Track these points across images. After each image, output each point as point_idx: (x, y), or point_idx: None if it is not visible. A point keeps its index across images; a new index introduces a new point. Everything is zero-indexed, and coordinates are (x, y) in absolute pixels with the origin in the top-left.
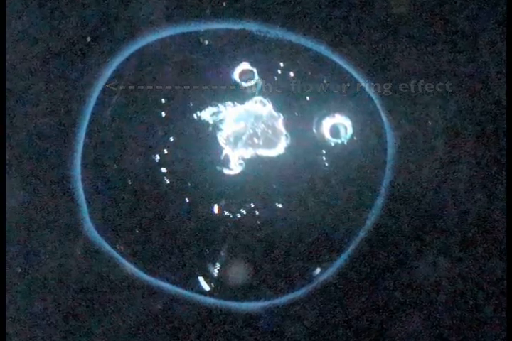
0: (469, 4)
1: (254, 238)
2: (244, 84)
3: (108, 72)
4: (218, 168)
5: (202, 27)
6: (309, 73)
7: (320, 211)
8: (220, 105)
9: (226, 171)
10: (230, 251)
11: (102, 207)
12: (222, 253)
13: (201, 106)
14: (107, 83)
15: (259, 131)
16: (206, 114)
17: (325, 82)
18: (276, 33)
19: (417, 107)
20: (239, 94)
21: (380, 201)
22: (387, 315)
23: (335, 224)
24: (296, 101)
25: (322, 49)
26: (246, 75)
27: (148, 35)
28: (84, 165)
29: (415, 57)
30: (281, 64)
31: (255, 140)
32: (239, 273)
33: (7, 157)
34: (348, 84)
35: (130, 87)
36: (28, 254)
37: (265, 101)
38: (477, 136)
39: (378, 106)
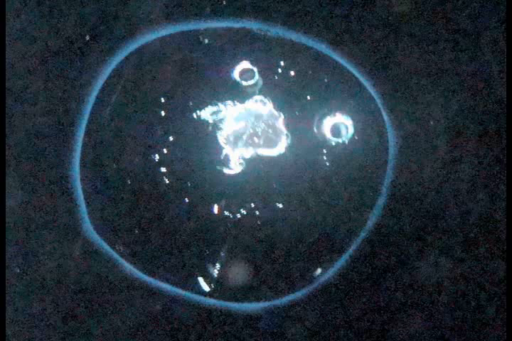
0: (471, 3)
1: (254, 238)
2: (244, 83)
3: (107, 71)
4: (218, 167)
5: (202, 25)
6: (310, 72)
7: (321, 211)
8: (220, 104)
9: (226, 171)
10: (230, 252)
11: (101, 207)
12: (222, 254)
13: (201, 106)
14: (106, 82)
15: (259, 130)
16: (206, 113)
17: (326, 80)
18: (277, 31)
19: (419, 106)
20: (239, 93)
21: (381, 201)
22: (389, 316)
23: (336, 224)
24: (296, 100)
25: (323, 48)
26: (246, 74)
27: (147, 34)
28: (83, 165)
29: (417, 56)
30: (282, 63)
31: (256, 139)
32: (239, 273)
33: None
34: (349, 83)
35: (129, 86)
36: (27, 255)
37: (266, 100)
38: (479, 135)
39: (379, 105)
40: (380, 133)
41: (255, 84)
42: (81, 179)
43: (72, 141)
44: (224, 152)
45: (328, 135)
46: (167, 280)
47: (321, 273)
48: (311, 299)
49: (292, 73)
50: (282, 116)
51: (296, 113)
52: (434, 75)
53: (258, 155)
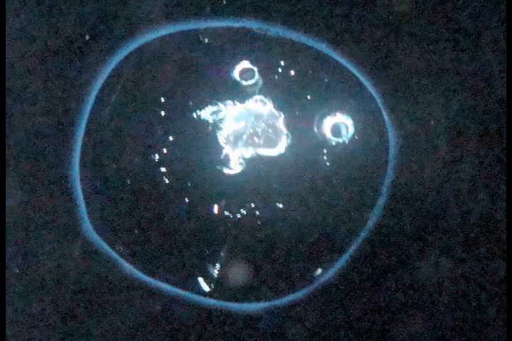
0: (471, 2)
1: (254, 238)
2: (244, 82)
3: (107, 71)
4: (218, 167)
5: (202, 25)
6: (310, 72)
7: (321, 211)
8: (220, 104)
9: (226, 171)
10: (230, 252)
11: (101, 207)
12: (222, 254)
13: (201, 105)
14: (105, 81)
15: (259, 130)
16: (206, 113)
17: (326, 80)
18: (277, 31)
19: (419, 106)
20: (239, 93)
21: (381, 201)
22: (389, 316)
23: (336, 224)
24: (296, 100)
25: (323, 47)
26: (246, 74)
27: (147, 33)
28: (82, 165)
29: (417, 56)
30: (282, 62)
31: (256, 139)
32: (239, 273)
33: None
34: (350, 83)
35: (129, 86)
36: (26, 255)
37: (266, 100)
38: (480, 135)
39: (380, 104)
40: (381, 133)
41: (255, 84)
42: (81, 179)
43: (72, 141)
44: (224, 152)
45: (329, 135)
46: (167, 281)
47: (321, 273)
48: (311, 299)
49: (292, 73)
50: (282, 116)
51: (297, 113)
52: (434, 75)
53: (258, 155)
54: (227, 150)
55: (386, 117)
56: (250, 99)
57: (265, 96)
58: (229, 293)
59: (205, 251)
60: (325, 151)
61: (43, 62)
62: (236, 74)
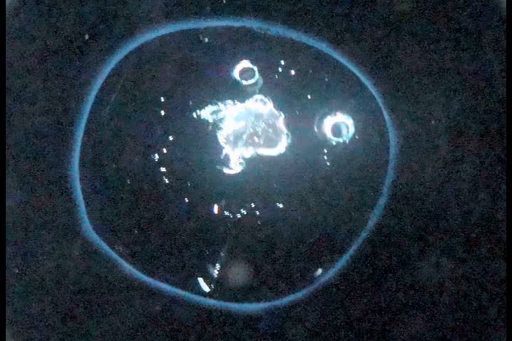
0: (473, 1)
1: (254, 238)
2: (244, 82)
3: (106, 70)
4: (218, 167)
5: (202, 24)
6: (310, 71)
7: (321, 211)
8: (220, 103)
9: (226, 170)
10: (230, 252)
11: (101, 207)
12: (222, 254)
13: (201, 105)
14: (105, 81)
15: (259, 129)
16: (206, 113)
17: (326, 80)
18: (277, 30)
19: (420, 106)
20: (239, 93)
21: (382, 201)
22: (390, 317)
23: (336, 224)
24: (297, 99)
25: (324, 47)
26: (246, 73)
27: (147, 33)
28: (82, 165)
29: (418, 55)
30: (282, 62)
31: (256, 139)
32: (239, 274)
33: None
34: (350, 83)
35: (129, 86)
36: (26, 255)
37: (266, 99)
38: (481, 134)
39: (380, 104)
40: (381, 133)
41: (255, 84)
42: (80, 179)
43: (72, 141)
44: (224, 152)
45: (329, 134)
46: (167, 281)
47: (321, 273)
48: (311, 299)
49: (293, 72)
50: (283, 116)
51: (297, 112)
52: (435, 74)
53: (258, 155)
54: (227, 150)
55: (387, 117)
56: (250, 99)
57: (265, 96)
58: (229, 294)
59: (205, 251)
60: (325, 151)
61: (43, 62)
62: (236, 73)
